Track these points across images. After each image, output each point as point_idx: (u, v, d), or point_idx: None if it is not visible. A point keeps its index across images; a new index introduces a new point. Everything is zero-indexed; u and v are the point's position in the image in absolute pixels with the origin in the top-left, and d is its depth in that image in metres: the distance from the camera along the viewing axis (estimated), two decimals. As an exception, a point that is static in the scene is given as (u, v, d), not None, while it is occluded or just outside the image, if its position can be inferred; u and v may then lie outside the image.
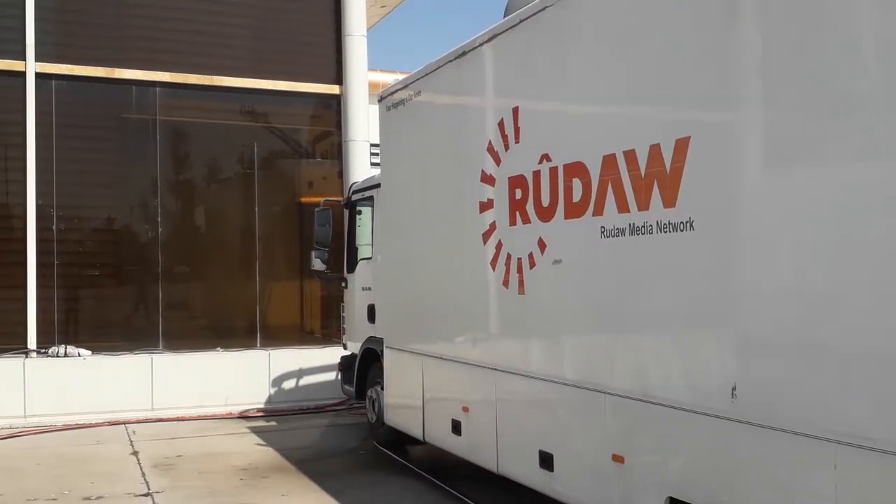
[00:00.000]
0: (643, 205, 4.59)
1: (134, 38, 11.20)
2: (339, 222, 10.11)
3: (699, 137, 4.26)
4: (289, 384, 11.33)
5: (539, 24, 5.60)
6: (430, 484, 7.36)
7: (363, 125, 12.02)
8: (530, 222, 5.66)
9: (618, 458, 4.83)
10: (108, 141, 11.40)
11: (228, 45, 11.64)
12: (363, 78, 12.07)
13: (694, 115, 4.37)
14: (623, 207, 4.75)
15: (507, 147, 5.97)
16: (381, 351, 8.35)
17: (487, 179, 6.23)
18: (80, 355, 10.52)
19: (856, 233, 3.50)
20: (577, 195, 5.16)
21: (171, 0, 11.36)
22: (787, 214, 3.81)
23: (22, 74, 10.49)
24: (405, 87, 7.67)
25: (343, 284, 10.01)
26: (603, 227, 4.92)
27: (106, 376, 10.46)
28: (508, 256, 5.93)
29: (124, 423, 10.13)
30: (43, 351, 10.48)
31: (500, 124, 6.02)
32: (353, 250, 9.80)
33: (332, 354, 10.90)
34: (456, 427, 6.75)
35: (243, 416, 10.70)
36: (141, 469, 8.10)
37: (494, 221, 6.13)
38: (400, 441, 8.31)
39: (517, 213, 5.83)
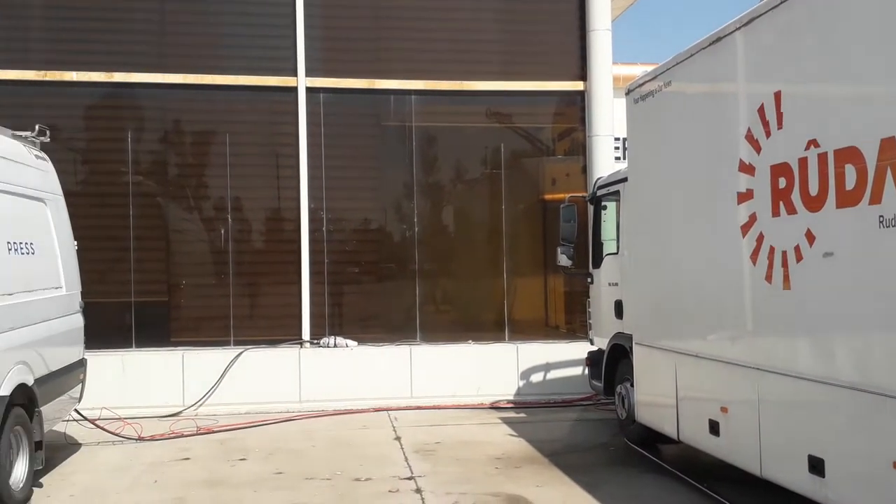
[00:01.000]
0: (929, 191, 4.23)
1: (391, 49, 11.93)
2: (584, 218, 10.14)
3: None
4: (536, 377, 11.53)
5: (804, 3, 5.32)
6: (684, 484, 7.21)
7: (607, 120, 11.95)
8: (796, 213, 5.39)
9: (898, 467, 4.49)
10: (369, 147, 12.20)
11: (477, 50, 12.04)
12: (607, 72, 12.00)
13: None
14: (905, 194, 4.41)
15: (768, 134, 5.72)
16: (630, 347, 8.27)
17: (746, 169, 6.00)
18: (347, 346, 11.35)
19: None
20: (850, 182, 4.85)
21: (424, 11, 11.94)
22: None
23: (294, 90, 11.49)
24: (654, 78, 7.56)
25: (588, 280, 10.03)
26: (881, 216, 4.58)
27: (370, 366, 11.21)
28: (771, 249, 5.68)
29: (387, 409, 10.79)
30: (315, 341, 11.43)
31: (760, 110, 5.78)
32: (598, 246, 9.79)
33: (578, 349, 10.95)
34: (714, 427, 6.56)
35: (494, 407, 11.03)
36: (404, 454, 8.60)
37: (755, 213, 5.89)
38: (651, 439, 8.20)
39: (781, 203, 5.57)
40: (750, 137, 5.94)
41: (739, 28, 6.09)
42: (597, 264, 9.75)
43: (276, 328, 11.48)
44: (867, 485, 4.80)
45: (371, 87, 11.72)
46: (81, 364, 8.64)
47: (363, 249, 12.04)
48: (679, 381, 7.20)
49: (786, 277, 5.50)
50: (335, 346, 11.37)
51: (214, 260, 11.52)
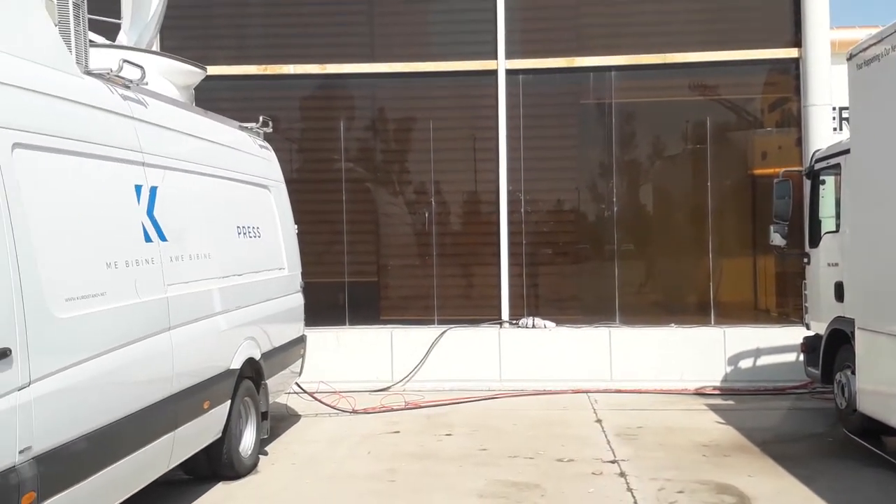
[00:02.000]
0: None
1: (591, 26, 11.78)
2: (799, 194, 9.58)
3: None
4: (745, 363, 11.06)
5: None
6: (914, 481, 6.71)
7: (825, 88, 11.18)
8: None
9: None
10: (568, 127, 12.12)
11: (680, 21, 11.64)
12: (825, 37, 11.20)
13: None
14: None
15: None
16: (852, 332, 7.76)
17: None
18: (545, 327, 11.41)
19: None
20: None
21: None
22: None
23: (494, 72, 11.61)
24: (880, 41, 7.01)
25: (805, 260, 9.49)
26: None
27: (568, 347, 11.20)
28: None
29: (586, 391, 10.76)
30: (514, 322, 11.57)
31: None
32: (815, 223, 9.24)
33: (791, 334, 10.41)
34: (950, 421, 6.04)
35: (699, 393, 10.70)
36: (605, 437, 8.56)
37: None
38: (874, 430, 7.67)
39: None
40: None
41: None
42: (814, 243, 9.21)
43: (477, 308, 11.73)
44: None
45: (570, 65, 11.63)
46: (302, 340, 9.24)
47: (561, 230, 12.02)
48: (910, 370, 6.68)
49: None
50: (534, 326, 11.46)
51: (419, 242, 11.92)
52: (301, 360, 9.22)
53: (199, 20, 11.65)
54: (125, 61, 5.99)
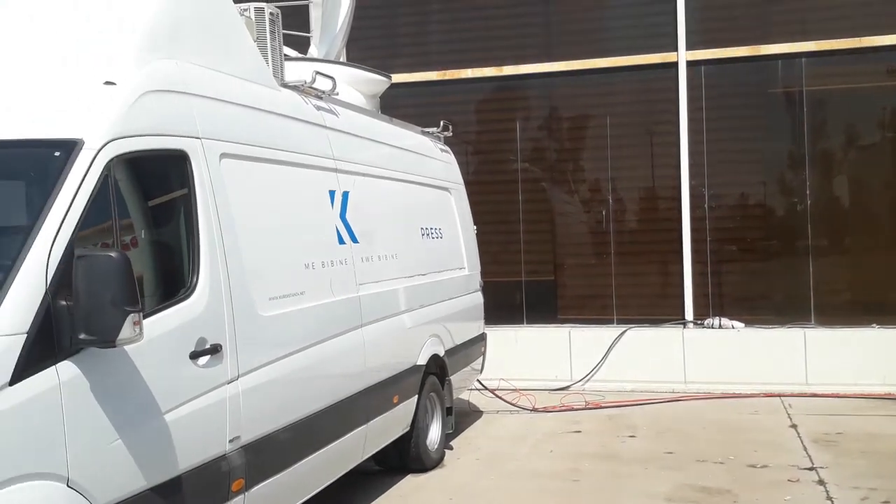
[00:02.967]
0: None
1: (778, 11, 11.21)
2: None
3: None
4: (958, 367, 10.18)
5: None
6: None
7: None
8: None
9: None
10: (753, 118, 11.57)
11: (874, 1, 10.86)
12: None
13: None
14: None
15: None
16: None
17: None
18: (733, 327, 10.96)
19: None
20: None
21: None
22: None
23: (674, 65, 11.28)
24: None
25: None
26: None
27: (758, 349, 10.69)
28: None
29: (778, 395, 10.23)
30: (699, 322, 11.20)
31: None
32: None
33: None
34: None
35: (905, 399, 9.96)
36: (801, 442, 8.13)
37: None
38: None
39: None
40: None
41: None
42: None
43: (658, 307, 11.45)
44: None
45: (755, 53, 11.11)
46: (482, 338, 9.39)
47: (748, 226, 11.51)
48: None
49: None
50: (720, 327, 11.04)
51: (596, 240, 11.79)
52: (482, 357, 9.37)
53: (382, 30, 12.06)
54: (318, 73, 6.32)
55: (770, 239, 11.44)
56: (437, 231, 8.28)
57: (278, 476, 5.03)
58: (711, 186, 11.29)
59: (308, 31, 8.76)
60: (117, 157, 4.03)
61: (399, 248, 7.22)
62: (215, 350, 4.47)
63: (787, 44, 10.96)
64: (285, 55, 6.29)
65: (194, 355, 4.33)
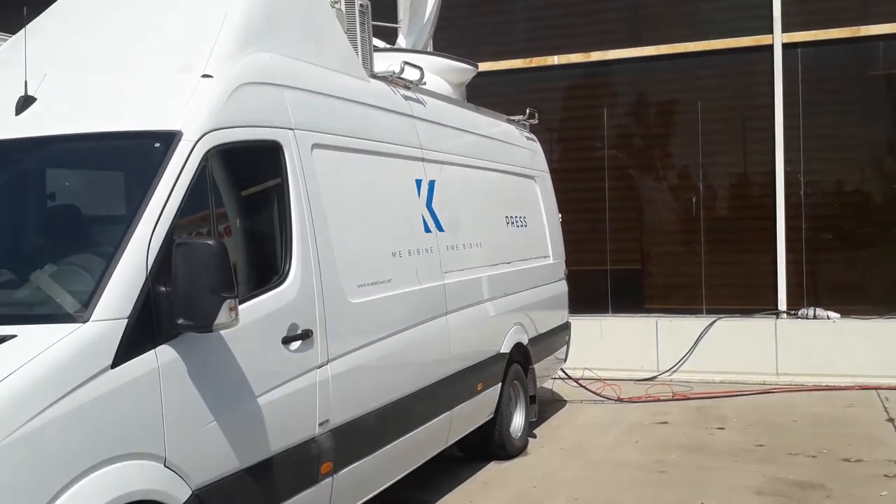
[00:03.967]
0: None
1: (879, -10, 10.79)
2: None
3: None
4: None
5: None
6: None
7: None
8: None
9: None
10: (853, 103, 11.16)
11: None
12: None
13: None
14: None
15: None
16: None
17: None
18: (828, 318, 10.63)
19: None
20: None
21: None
22: None
23: (769, 47, 10.96)
24: None
25: None
26: None
27: (854, 340, 10.34)
28: None
29: (874, 388, 9.88)
30: (793, 312, 10.89)
31: None
32: None
33: None
34: None
35: None
36: (900, 438, 7.87)
37: None
38: None
39: None
40: None
41: None
42: None
43: (749, 297, 11.17)
44: None
45: (855, 35, 10.69)
46: (566, 327, 9.35)
47: (845, 213, 11.11)
48: None
49: None
50: (815, 317, 10.72)
51: (685, 228, 11.57)
52: (566, 346, 9.33)
53: (468, 19, 12.04)
54: (406, 63, 6.38)
55: (868, 226, 11.03)
56: (521, 219, 8.26)
57: (365, 460, 5.13)
58: (807, 172, 10.95)
59: (396, 22, 8.83)
60: (214, 147, 4.16)
61: (484, 237, 7.24)
62: (306, 335, 4.57)
63: (888, 24, 10.52)
64: (374, 46, 6.36)
65: (286, 340, 4.45)
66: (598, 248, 11.71)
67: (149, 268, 3.70)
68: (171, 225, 3.84)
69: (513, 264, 7.83)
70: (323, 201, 4.88)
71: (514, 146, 8.59)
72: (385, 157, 5.81)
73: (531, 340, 8.02)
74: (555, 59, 11.83)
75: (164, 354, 3.71)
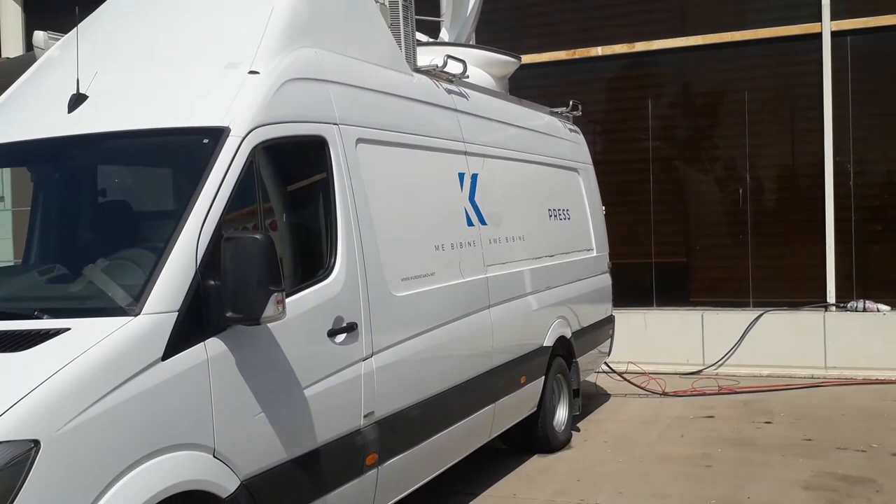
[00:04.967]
0: None
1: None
2: None
3: None
4: None
5: None
6: None
7: None
8: None
9: None
10: (905, 90, 10.94)
11: None
12: None
13: None
14: None
15: None
16: None
17: None
18: (878, 310, 10.44)
19: None
20: None
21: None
22: None
23: (817, 36, 10.77)
24: None
25: None
26: None
27: (905, 333, 10.17)
28: None
29: (927, 383, 9.72)
30: (842, 305, 10.71)
31: None
32: None
33: None
34: None
35: None
36: (951, 434, 7.69)
37: None
38: None
39: None
40: None
41: None
42: None
43: (797, 290, 11.01)
44: None
45: (907, 22, 10.48)
46: (610, 321, 9.29)
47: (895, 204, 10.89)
48: None
49: None
50: (864, 310, 10.52)
51: (731, 220, 11.42)
52: (610, 339, 9.28)
53: (511, 11, 12.00)
54: (449, 57, 6.39)
55: (921, 218, 10.79)
56: (564, 212, 8.23)
57: (409, 452, 5.16)
58: (856, 163, 10.74)
59: (439, 16, 8.83)
60: (261, 143, 4.22)
61: (526, 230, 7.23)
62: (351, 328, 4.62)
63: (942, 10, 10.28)
64: (417, 40, 6.38)
65: (332, 333, 4.50)
66: (643, 241, 11.61)
67: (198, 262, 3.76)
68: (219, 220, 3.89)
69: (556, 257, 7.80)
70: (367, 195, 4.92)
71: (558, 138, 8.55)
72: (428, 151, 5.83)
73: (574, 334, 7.99)
74: (598, 51, 11.74)
75: (213, 347, 3.77)
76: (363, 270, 4.77)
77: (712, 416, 8.65)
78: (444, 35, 8.70)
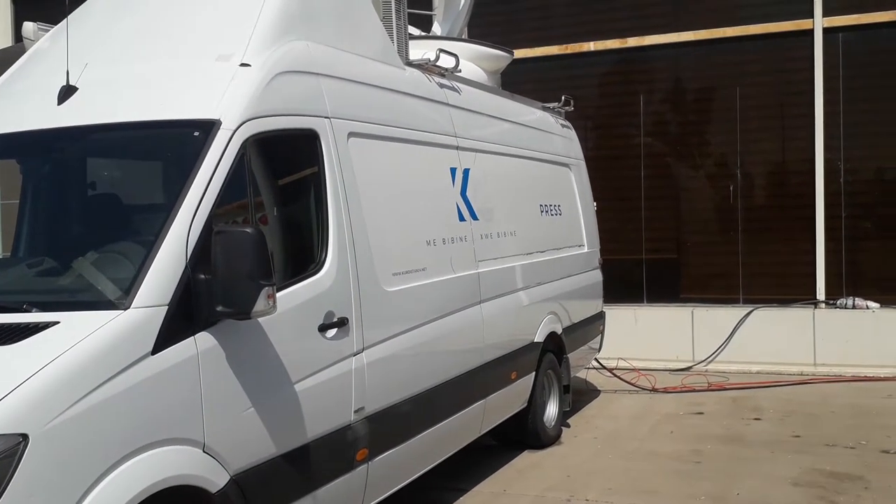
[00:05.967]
0: None
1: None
2: None
3: None
4: None
5: None
6: None
7: None
8: None
9: None
10: (895, 88, 10.95)
11: None
12: None
13: None
14: None
15: None
16: None
17: None
18: (867, 307, 10.47)
19: None
20: None
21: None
22: None
23: (809, 32, 10.77)
24: None
25: None
26: None
27: (894, 330, 10.20)
28: None
29: (914, 379, 9.77)
30: (831, 302, 10.74)
31: None
32: None
33: None
34: None
35: None
36: (941, 430, 7.73)
37: None
38: None
39: None
40: None
41: None
42: None
43: (787, 287, 11.03)
44: None
45: (898, 19, 10.50)
46: (600, 317, 9.30)
47: (886, 202, 10.89)
48: None
49: None
50: (854, 307, 10.56)
51: (722, 217, 11.43)
52: (600, 336, 9.29)
53: (503, 6, 11.96)
54: (441, 50, 6.37)
55: (908, 216, 10.84)
56: (556, 208, 8.23)
57: (400, 447, 5.15)
58: (847, 160, 10.76)
59: (431, 10, 8.81)
60: (252, 136, 4.19)
61: (518, 225, 7.22)
62: (342, 323, 4.60)
63: (935, 8, 10.30)
64: (409, 34, 6.35)
65: (322, 328, 4.48)
66: (634, 237, 11.61)
67: (188, 256, 3.74)
68: (210, 213, 3.87)
69: (547, 253, 7.80)
70: (358, 190, 4.90)
71: (549, 134, 8.54)
72: (420, 146, 5.81)
73: (565, 330, 7.99)
74: (591, 46, 11.72)
75: (203, 341, 3.75)
76: (354, 265, 4.75)
77: (702, 413, 8.67)
78: (437, 29, 8.67)
